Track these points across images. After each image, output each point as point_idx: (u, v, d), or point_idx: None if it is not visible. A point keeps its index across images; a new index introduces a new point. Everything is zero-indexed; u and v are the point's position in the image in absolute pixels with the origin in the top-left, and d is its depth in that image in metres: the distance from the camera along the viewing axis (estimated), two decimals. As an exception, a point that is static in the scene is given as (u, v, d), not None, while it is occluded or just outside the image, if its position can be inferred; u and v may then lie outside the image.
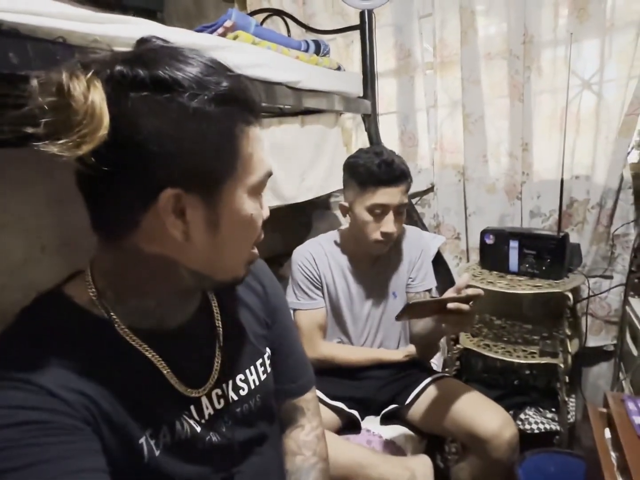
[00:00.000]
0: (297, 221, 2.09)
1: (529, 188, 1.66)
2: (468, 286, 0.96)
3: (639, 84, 1.39)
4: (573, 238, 1.58)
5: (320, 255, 1.28)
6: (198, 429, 0.56)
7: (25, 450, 0.41)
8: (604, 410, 0.96)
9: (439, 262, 1.71)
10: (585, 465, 1.03)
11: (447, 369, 1.62)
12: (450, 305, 0.92)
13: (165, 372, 0.54)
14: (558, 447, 1.47)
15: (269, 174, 0.53)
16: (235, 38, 1.06)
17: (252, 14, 1.84)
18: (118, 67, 0.43)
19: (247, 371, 0.65)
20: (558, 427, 1.50)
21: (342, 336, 1.32)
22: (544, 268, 1.48)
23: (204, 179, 0.46)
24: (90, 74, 0.41)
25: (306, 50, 1.39)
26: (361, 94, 1.71)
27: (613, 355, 1.68)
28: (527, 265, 1.51)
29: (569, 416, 1.51)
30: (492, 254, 1.59)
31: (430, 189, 1.87)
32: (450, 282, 1.71)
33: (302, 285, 1.26)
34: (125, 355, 0.51)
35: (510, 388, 1.66)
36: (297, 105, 1.26)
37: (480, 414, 1.07)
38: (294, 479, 0.69)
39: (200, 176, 0.46)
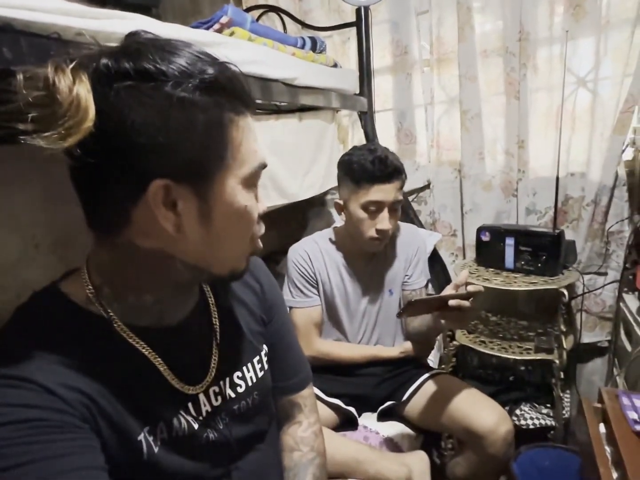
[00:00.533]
0: (293, 219, 2.09)
1: (524, 185, 1.67)
2: (468, 283, 0.97)
3: (633, 81, 1.40)
4: (568, 235, 1.59)
5: (315, 253, 1.28)
6: (195, 425, 0.56)
7: (23, 448, 0.41)
8: (599, 405, 0.97)
9: (434, 259, 1.72)
10: (580, 460, 1.04)
11: (443, 366, 1.63)
12: (451, 302, 0.93)
13: (162, 369, 0.54)
14: (553, 442, 1.48)
15: (263, 166, 0.52)
16: (231, 34, 1.06)
17: (248, 10, 1.83)
18: (103, 60, 0.43)
19: (245, 368, 0.65)
20: (553, 422, 1.51)
21: (339, 333, 1.32)
22: (539, 265, 1.49)
23: (193, 169, 0.46)
24: (76, 67, 0.41)
25: (302, 47, 1.39)
26: (357, 91, 1.71)
27: (607, 351, 1.69)
28: (522, 262, 1.52)
29: (564, 411, 1.53)
30: (488, 251, 1.60)
31: (427, 186, 1.87)
32: (446, 279, 1.72)
33: (298, 283, 1.26)
34: (122, 353, 0.51)
35: (506, 384, 1.67)
36: (294, 102, 1.25)
37: (477, 410, 1.08)
38: (292, 475, 0.69)
39: (189, 166, 0.46)
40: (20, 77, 0.40)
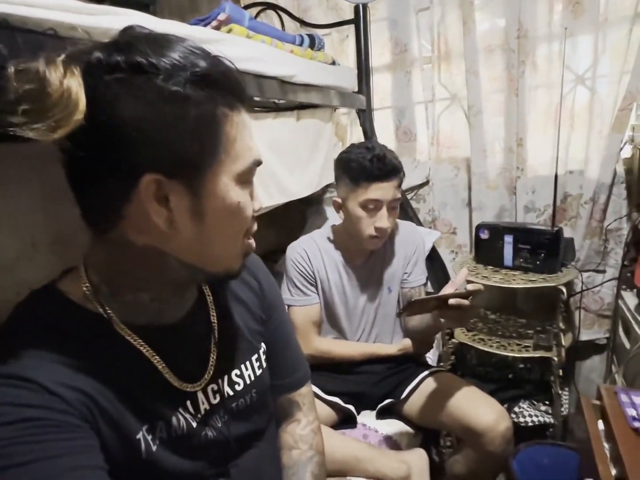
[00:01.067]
0: (291, 217, 2.08)
1: (523, 183, 1.67)
2: (467, 282, 0.97)
3: (631, 79, 1.40)
4: (567, 233, 1.59)
5: (313, 251, 1.28)
6: (194, 424, 0.56)
7: (23, 448, 0.41)
8: (597, 402, 0.97)
9: (433, 257, 1.72)
10: (579, 457, 1.04)
11: (442, 364, 1.63)
12: (451, 301, 0.93)
13: (160, 367, 0.54)
14: (552, 439, 1.49)
15: (258, 163, 0.52)
16: (229, 31, 1.05)
17: (247, 7, 1.82)
18: (96, 54, 0.43)
19: (243, 366, 0.64)
20: (552, 420, 1.51)
21: (337, 332, 1.32)
22: (538, 262, 1.49)
23: (185, 163, 0.45)
24: (67, 60, 0.41)
25: (301, 45, 1.38)
26: (356, 89, 1.70)
27: (605, 349, 1.70)
28: (521, 260, 1.52)
29: (563, 409, 1.53)
30: (486, 248, 1.60)
31: (426, 183, 1.87)
32: (445, 277, 1.72)
33: (296, 282, 1.26)
34: (121, 351, 0.51)
35: (505, 381, 1.67)
36: (292, 100, 1.25)
37: (476, 407, 1.08)
38: (291, 473, 0.69)
39: (181, 161, 0.45)
40: (11, 70, 0.39)
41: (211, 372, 0.59)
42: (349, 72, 1.67)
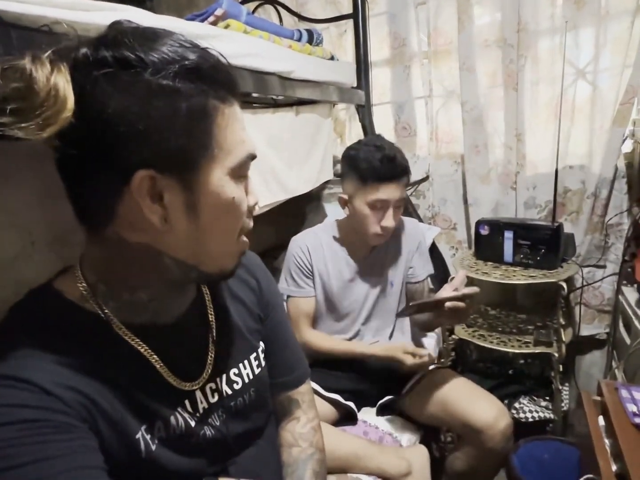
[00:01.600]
0: (289, 214, 2.08)
1: (523, 178, 1.66)
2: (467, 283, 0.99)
3: (633, 72, 1.39)
4: (567, 228, 1.58)
5: (315, 245, 1.28)
6: (192, 423, 0.56)
7: (21, 449, 0.41)
8: (598, 398, 0.97)
9: (433, 254, 1.71)
10: (580, 452, 1.04)
11: (442, 360, 1.63)
12: (447, 304, 0.98)
13: (158, 366, 0.53)
14: (552, 434, 1.49)
15: (252, 157, 0.51)
16: (226, 27, 1.04)
17: (244, 2, 1.80)
18: (82, 50, 0.42)
19: (241, 365, 0.64)
20: (552, 415, 1.51)
21: (337, 324, 1.32)
22: (538, 258, 1.48)
23: (178, 158, 0.45)
24: (54, 57, 0.41)
25: (299, 40, 1.37)
26: (355, 84, 1.69)
27: (606, 344, 1.70)
28: (521, 256, 1.52)
29: (563, 404, 1.53)
30: (487, 244, 1.59)
31: (425, 179, 1.86)
32: (445, 273, 1.72)
33: (294, 274, 1.27)
34: (118, 351, 0.51)
35: (505, 377, 1.67)
36: (290, 95, 1.24)
37: (475, 404, 1.08)
38: (291, 471, 0.69)
39: (173, 156, 0.44)
40: None
41: (209, 371, 0.59)
42: (348, 67, 1.66)
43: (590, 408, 0.94)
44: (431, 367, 1.25)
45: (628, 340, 1.38)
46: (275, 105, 1.37)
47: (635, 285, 1.44)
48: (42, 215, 0.99)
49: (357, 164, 1.15)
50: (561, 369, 1.45)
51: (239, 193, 0.50)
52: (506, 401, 1.57)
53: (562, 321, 1.45)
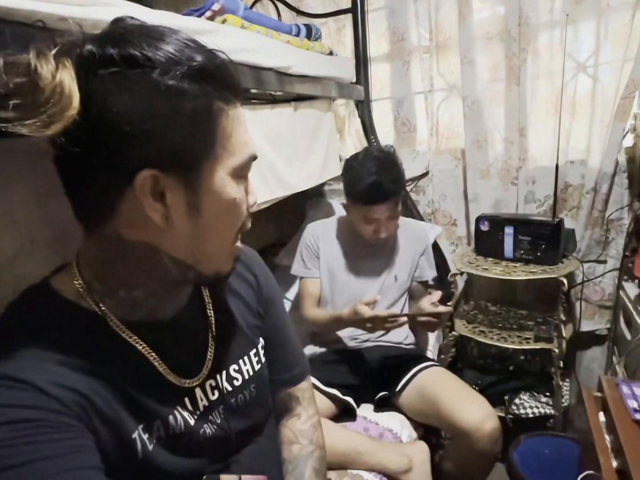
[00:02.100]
0: (290, 211, 2.07)
1: (524, 173, 1.65)
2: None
3: (634, 66, 1.38)
4: (568, 223, 1.58)
5: (325, 232, 1.43)
6: (192, 421, 0.56)
7: (17, 449, 0.41)
8: (599, 394, 0.97)
9: (435, 252, 1.71)
10: (580, 448, 1.04)
11: (442, 356, 1.63)
12: (421, 319, 1.15)
13: (157, 364, 0.53)
14: (552, 430, 1.49)
15: (253, 157, 0.51)
16: (223, 22, 1.03)
17: (242, -3, 1.79)
18: (87, 46, 0.42)
19: (241, 361, 0.64)
20: (552, 411, 1.51)
21: (340, 308, 1.35)
22: (538, 254, 1.48)
23: (182, 158, 0.45)
24: (59, 53, 0.40)
25: (297, 35, 1.36)
26: (354, 80, 1.68)
27: (606, 340, 1.69)
28: (522, 252, 1.51)
29: (563, 400, 1.53)
30: (487, 240, 1.59)
31: (425, 175, 1.86)
32: (445, 270, 1.72)
33: (304, 256, 1.42)
34: (116, 349, 0.50)
35: (505, 373, 1.67)
36: (289, 91, 1.23)
37: (462, 406, 1.08)
38: (291, 468, 0.68)
39: (177, 156, 0.45)
40: (0, 62, 0.38)
41: (209, 368, 0.59)
42: (347, 63, 1.65)
43: (591, 404, 0.94)
44: (425, 364, 1.24)
45: (629, 336, 1.38)
46: (274, 101, 1.36)
47: (636, 281, 1.44)
48: (41, 213, 0.99)
49: (350, 184, 1.27)
50: (562, 365, 1.45)
51: (240, 193, 0.51)
52: (506, 397, 1.57)
53: (562, 317, 1.45)
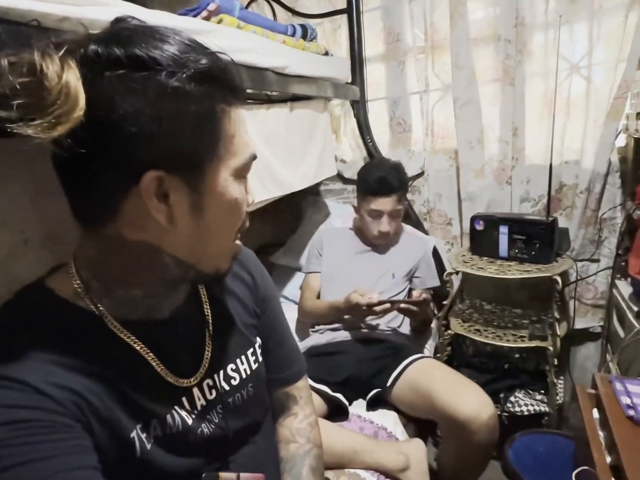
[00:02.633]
0: (287, 211, 2.07)
1: (519, 173, 1.66)
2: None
3: (627, 67, 1.39)
4: (562, 222, 1.59)
5: (330, 234, 1.63)
6: (189, 421, 0.55)
7: (14, 450, 0.40)
8: (593, 391, 0.97)
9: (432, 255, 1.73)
10: (574, 445, 1.05)
11: (438, 355, 1.64)
12: (402, 305, 1.32)
13: (154, 364, 0.53)
14: (547, 427, 1.50)
15: (253, 158, 0.52)
16: (219, 22, 1.03)
17: (237, -3, 1.79)
18: (92, 46, 0.41)
19: (238, 361, 0.64)
20: (547, 409, 1.52)
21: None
22: (533, 253, 1.49)
23: (186, 160, 0.45)
24: (63, 53, 0.40)
25: (293, 35, 1.36)
26: (350, 80, 1.68)
27: (600, 337, 1.71)
28: (516, 251, 1.52)
29: (558, 397, 1.54)
30: (482, 239, 1.60)
31: (421, 174, 1.86)
32: (441, 269, 1.72)
33: (310, 255, 1.61)
34: (113, 348, 0.50)
35: (500, 371, 1.68)
36: (285, 91, 1.23)
37: (457, 396, 1.07)
38: (289, 467, 0.69)
39: (182, 157, 0.45)
40: (5, 62, 0.38)
41: (206, 367, 0.59)
42: (343, 63, 1.65)
43: (585, 401, 0.95)
44: (414, 357, 1.25)
45: (622, 334, 1.39)
46: (270, 101, 1.37)
47: (629, 279, 1.45)
48: (34, 212, 0.98)
49: (360, 181, 1.50)
50: (556, 363, 1.46)
51: (242, 193, 0.52)
52: (502, 395, 1.58)
53: (556, 315, 1.46)
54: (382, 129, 1.89)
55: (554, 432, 1.38)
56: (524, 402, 1.56)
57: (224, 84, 0.47)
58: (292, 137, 1.40)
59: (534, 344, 1.46)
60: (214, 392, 0.60)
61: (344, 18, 1.73)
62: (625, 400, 0.89)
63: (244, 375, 0.64)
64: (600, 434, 0.87)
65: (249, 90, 1.15)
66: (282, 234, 2.03)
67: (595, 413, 0.93)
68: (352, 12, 1.65)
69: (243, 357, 0.65)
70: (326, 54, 1.53)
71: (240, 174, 0.51)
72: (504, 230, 1.53)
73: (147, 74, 0.42)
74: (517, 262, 1.52)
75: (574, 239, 1.61)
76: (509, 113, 1.61)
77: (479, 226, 1.59)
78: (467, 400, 1.06)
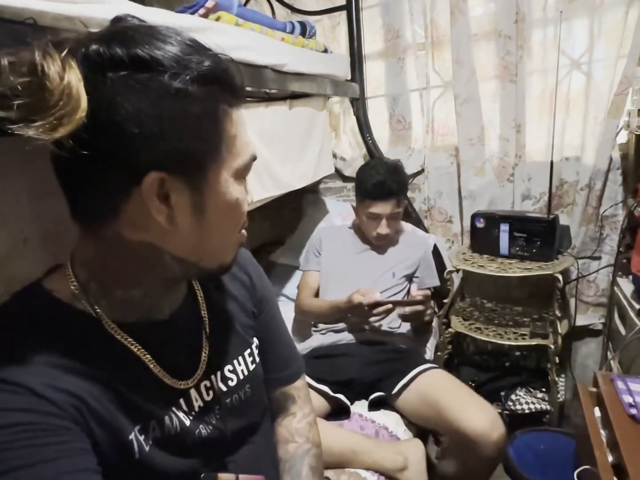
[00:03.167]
0: (286, 209, 2.07)
1: (520, 170, 1.65)
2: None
3: (627, 63, 1.38)
4: (563, 220, 1.58)
5: (330, 232, 1.61)
6: (187, 422, 0.55)
7: (13, 453, 0.40)
8: (594, 389, 0.97)
9: (433, 254, 1.72)
10: (576, 443, 1.05)
11: (439, 353, 1.64)
12: (407, 311, 1.33)
13: (152, 365, 0.53)
14: (548, 425, 1.50)
15: (254, 158, 0.52)
16: (217, 19, 1.03)
17: (236, -6, 1.78)
18: (93, 46, 0.41)
19: (236, 362, 0.64)
20: (548, 407, 1.52)
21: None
22: (534, 250, 1.49)
23: (188, 161, 0.45)
24: (64, 53, 0.39)
25: (292, 32, 1.35)
26: (349, 77, 1.68)
27: (601, 335, 1.71)
28: (517, 248, 1.52)
29: (559, 396, 1.54)
30: (482, 237, 1.59)
31: (421, 172, 1.86)
32: (441, 268, 1.72)
33: (309, 253, 1.59)
34: (111, 350, 0.50)
35: (502, 370, 1.68)
36: (283, 89, 1.23)
37: (468, 412, 1.05)
38: (288, 467, 0.68)
39: (184, 158, 0.45)
40: (4, 61, 0.37)
41: (203, 368, 0.59)
42: (342, 60, 1.64)
43: (586, 399, 0.95)
44: (424, 367, 1.23)
45: (623, 332, 1.39)
46: (268, 99, 1.36)
47: (631, 277, 1.45)
48: (33, 212, 0.98)
49: (358, 184, 1.48)
50: (557, 361, 1.46)
51: (242, 193, 0.52)
52: (503, 393, 1.58)
53: (557, 313, 1.45)
54: (381, 126, 1.88)
55: (555, 430, 1.38)
56: (525, 400, 1.56)
57: (226, 86, 0.47)
58: (291, 135, 1.39)
59: (534, 342, 1.46)
60: (211, 393, 0.59)
61: (343, 15, 1.72)
62: (627, 398, 0.89)
63: (241, 376, 0.64)
64: (602, 432, 0.87)
65: (247, 88, 1.14)
66: (281, 233, 2.03)
67: (597, 411, 0.92)
68: (351, 9, 1.64)
69: (240, 358, 0.65)
70: (325, 51, 1.52)
71: (241, 174, 0.51)
72: (504, 228, 1.53)
73: (149, 75, 0.41)
74: (517, 260, 1.52)
75: (575, 236, 1.61)
76: (509, 110, 1.60)
77: (480, 224, 1.59)
78: (479, 418, 1.03)
